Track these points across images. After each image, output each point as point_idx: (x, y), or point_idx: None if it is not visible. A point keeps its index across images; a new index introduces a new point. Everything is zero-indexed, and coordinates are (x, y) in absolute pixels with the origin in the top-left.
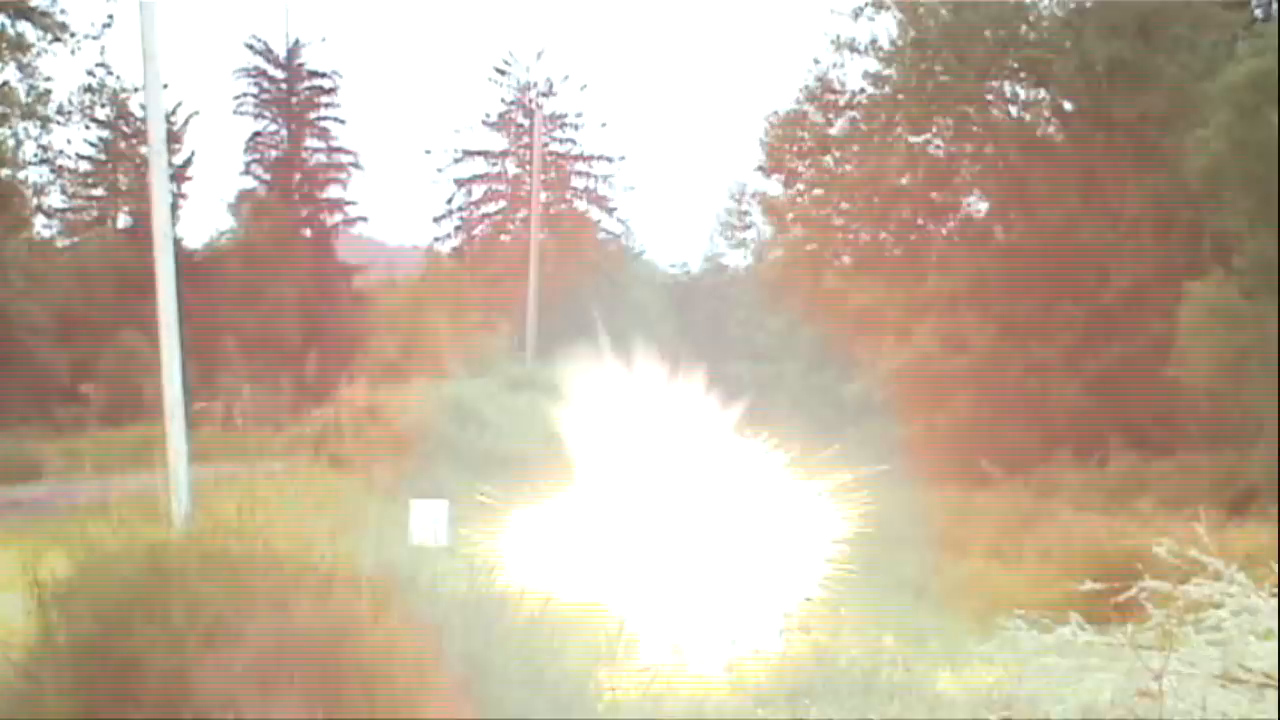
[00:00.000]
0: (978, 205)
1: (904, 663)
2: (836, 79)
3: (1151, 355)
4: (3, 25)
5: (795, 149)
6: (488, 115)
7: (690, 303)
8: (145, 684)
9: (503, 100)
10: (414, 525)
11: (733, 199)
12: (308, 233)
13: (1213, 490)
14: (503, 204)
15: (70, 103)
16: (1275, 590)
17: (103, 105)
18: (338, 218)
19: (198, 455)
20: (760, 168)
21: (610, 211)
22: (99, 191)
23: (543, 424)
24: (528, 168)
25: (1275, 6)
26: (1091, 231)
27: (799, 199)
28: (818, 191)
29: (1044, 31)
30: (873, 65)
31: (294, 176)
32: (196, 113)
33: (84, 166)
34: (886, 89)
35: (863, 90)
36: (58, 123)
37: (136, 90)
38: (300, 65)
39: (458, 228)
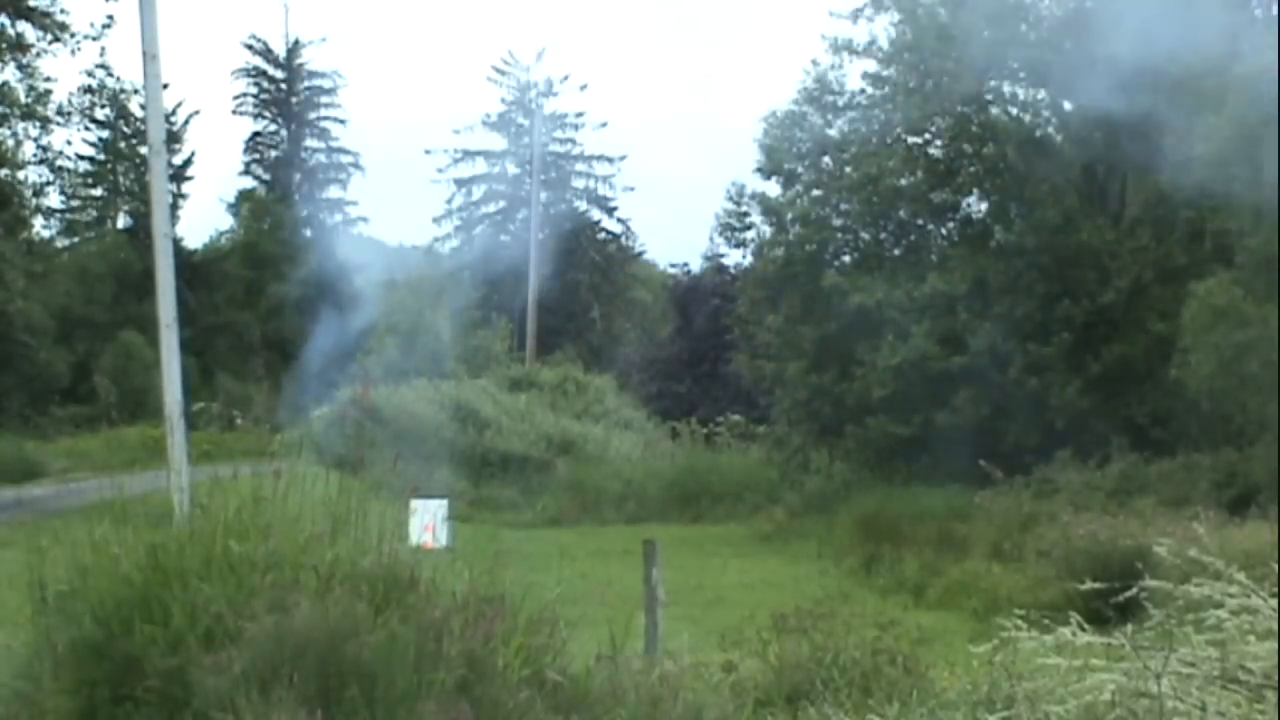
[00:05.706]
0: (978, 205)
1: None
2: (835, 80)
3: (1151, 355)
4: (3, 25)
5: (794, 150)
6: (488, 115)
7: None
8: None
9: (503, 100)
10: (414, 525)
11: (731, 200)
12: (308, 233)
13: (1213, 490)
14: (503, 204)
15: (70, 103)
16: (1275, 590)
17: (103, 105)
18: (338, 218)
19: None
20: (759, 169)
21: (610, 211)
22: (99, 191)
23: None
24: (528, 168)
25: (1276, 7)
26: (1091, 231)
27: (798, 200)
28: (816, 193)
29: (1044, 31)
30: (871, 66)
31: (294, 176)
32: (197, 112)
33: (84, 166)
34: (886, 90)
35: (862, 91)
36: (58, 123)
37: (136, 90)
38: (300, 65)
39: (458, 228)
